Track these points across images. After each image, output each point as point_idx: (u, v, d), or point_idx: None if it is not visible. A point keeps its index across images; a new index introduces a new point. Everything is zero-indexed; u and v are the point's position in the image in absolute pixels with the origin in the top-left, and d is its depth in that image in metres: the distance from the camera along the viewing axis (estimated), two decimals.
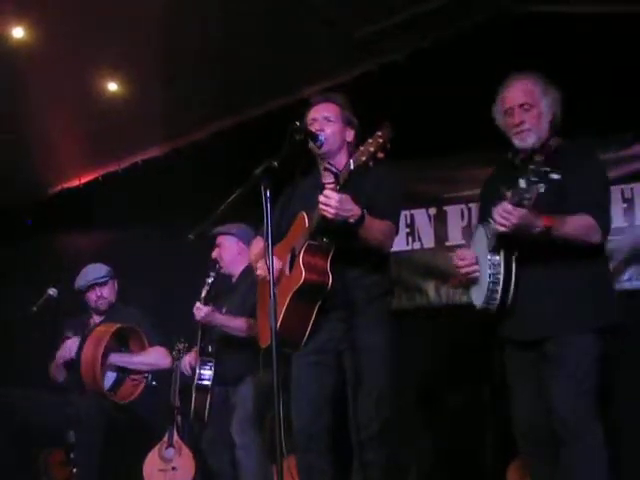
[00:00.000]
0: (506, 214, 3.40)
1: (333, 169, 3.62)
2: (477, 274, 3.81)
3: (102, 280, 5.59)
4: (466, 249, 3.95)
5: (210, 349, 5.21)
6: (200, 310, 5.01)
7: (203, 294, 5.12)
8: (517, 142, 3.80)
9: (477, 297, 3.83)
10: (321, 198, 3.51)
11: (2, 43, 5.32)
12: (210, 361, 5.19)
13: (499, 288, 3.63)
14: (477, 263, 3.81)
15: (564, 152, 3.75)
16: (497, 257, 3.63)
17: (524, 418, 3.83)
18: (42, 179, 7.35)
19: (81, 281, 5.61)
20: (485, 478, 5.60)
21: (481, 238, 3.78)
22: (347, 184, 3.52)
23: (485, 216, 3.84)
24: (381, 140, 3.36)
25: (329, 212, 3.50)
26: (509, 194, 3.40)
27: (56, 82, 5.79)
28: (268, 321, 3.49)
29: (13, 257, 7.50)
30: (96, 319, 5.64)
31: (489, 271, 3.63)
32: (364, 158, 3.38)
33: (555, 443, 3.64)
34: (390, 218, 3.87)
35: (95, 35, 5.42)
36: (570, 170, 3.47)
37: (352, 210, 3.54)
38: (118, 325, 5.36)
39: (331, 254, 3.71)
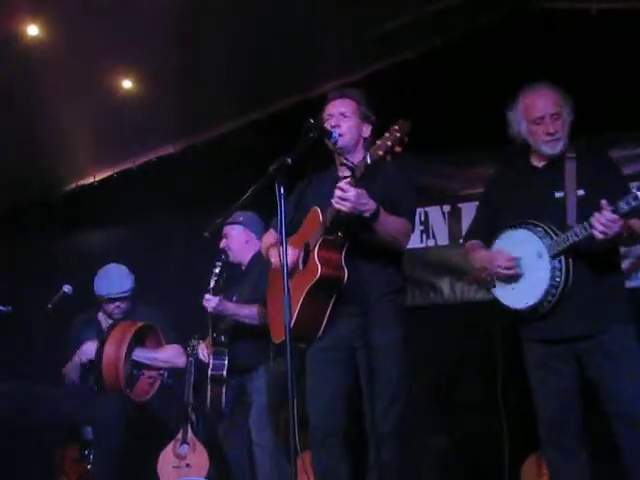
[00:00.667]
0: (610, 223, 3.49)
1: (349, 163, 3.63)
2: (511, 275, 3.89)
3: (125, 295, 5.54)
4: (503, 250, 3.94)
5: (223, 339, 5.18)
6: (210, 301, 4.97)
7: (212, 285, 5.08)
8: (547, 149, 3.94)
9: (520, 298, 3.90)
10: (337, 192, 3.51)
11: (17, 41, 5.34)
12: (223, 352, 5.16)
13: (557, 291, 3.75)
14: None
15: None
16: (558, 262, 3.75)
17: (553, 414, 3.86)
18: (57, 177, 7.37)
19: (104, 290, 5.48)
20: (500, 475, 5.58)
21: (526, 241, 3.86)
22: (363, 178, 3.51)
23: (494, 218, 3.95)
24: (399, 134, 3.35)
25: (345, 206, 3.50)
26: (621, 204, 3.49)
27: (71, 80, 5.80)
28: (281, 316, 3.49)
29: (28, 255, 7.52)
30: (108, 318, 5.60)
31: (548, 274, 3.76)
32: (381, 152, 3.37)
33: (580, 438, 3.81)
34: (406, 216, 3.88)
35: (109, 33, 5.43)
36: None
37: (367, 204, 3.54)
38: (140, 324, 5.34)
39: (345, 249, 3.71)
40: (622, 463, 3.76)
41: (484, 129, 5.96)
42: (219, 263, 5.16)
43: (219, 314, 5.06)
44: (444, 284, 6.36)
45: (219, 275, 5.13)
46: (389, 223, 3.70)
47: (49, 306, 5.38)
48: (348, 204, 3.50)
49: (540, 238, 3.82)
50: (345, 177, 3.71)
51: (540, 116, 3.93)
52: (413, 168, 4.06)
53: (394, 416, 3.77)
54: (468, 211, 6.35)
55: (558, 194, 3.88)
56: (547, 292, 3.77)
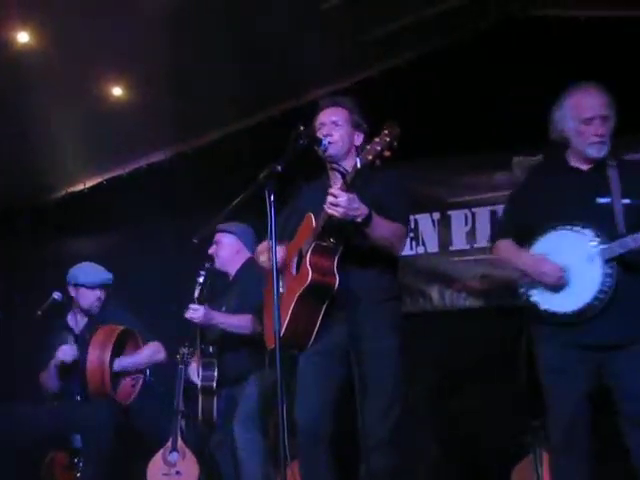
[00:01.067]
0: None
1: (340, 168, 3.64)
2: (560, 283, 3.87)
3: (109, 283, 5.52)
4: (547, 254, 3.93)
5: (211, 350, 5.17)
6: (197, 311, 4.92)
7: (196, 294, 5.05)
8: (593, 152, 3.89)
9: (566, 302, 3.85)
10: (329, 197, 3.51)
11: (7, 48, 5.34)
12: (212, 362, 5.14)
13: (605, 297, 3.73)
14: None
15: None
16: (609, 267, 3.74)
17: (570, 418, 3.86)
18: (47, 183, 7.36)
19: (89, 277, 5.45)
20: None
21: (573, 244, 3.82)
22: (355, 183, 3.52)
23: (525, 217, 3.97)
24: (388, 138, 3.36)
25: (337, 211, 3.50)
26: None
27: (61, 87, 5.80)
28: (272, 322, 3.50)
29: (18, 261, 7.50)
30: (80, 321, 5.53)
31: (599, 279, 3.74)
32: (370, 157, 3.38)
33: (590, 442, 3.83)
34: (400, 220, 3.87)
35: (100, 39, 5.43)
36: None
37: (359, 209, 3.54)
38: (120, 328, 5.33)
39: (338, 255, 3.71)
40: (631, 464, 3.78)
41: (474, 136, 6.00)
42: (203, 272, 5.14)
43: (206, 323, 5.03)
44: (433, 291, 6.37)
45: (203, 284, 5.09)
46: (383, 227, 3.70)
47: (39, 312, 5.35)
48: (340, 209, 3.50)
49: (589, 242, 3.78)
50: (336, 183, 3.72)
51: (590, 117, 3.86)
52: (404, 175, 4.04)
53: (389, 423, 3.76)
54: (458, 219, 6.39)
55: (602, 200, 3.84)
56: (595, 297, 3.74)
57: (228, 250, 5.30)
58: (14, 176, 6.78)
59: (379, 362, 3.75)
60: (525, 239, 4.03)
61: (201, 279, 5.09)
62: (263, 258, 3.99)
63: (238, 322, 4.96)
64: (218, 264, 5.29)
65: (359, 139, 3.98)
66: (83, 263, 5.56)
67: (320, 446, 3.80)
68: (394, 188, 3.93)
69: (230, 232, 5.29)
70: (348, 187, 3.53)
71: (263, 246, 4.11)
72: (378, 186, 3.79)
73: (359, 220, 3.56)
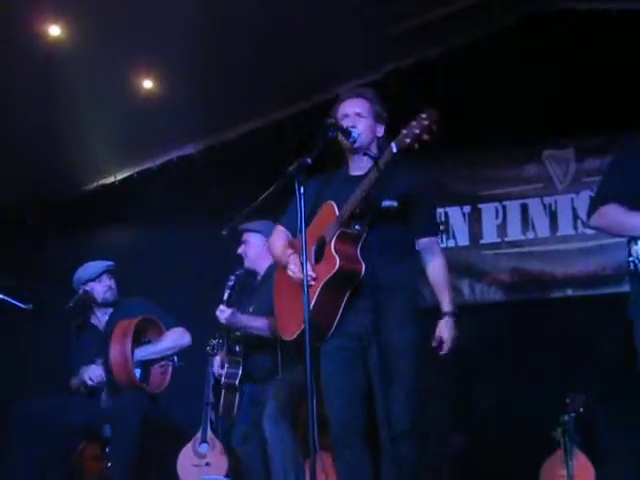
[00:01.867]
0: None
1: (371, 153, 3.63)
2: None
3: (111, 267, 5.53)
4: None
5: (237, 349, 5.21)
6: (223, 312, 4.98)
7: (225, 297, 5.11)
8: None
9: None
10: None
11: (39, 41, 5.37)
12: (238, 361, 5.18)
13: None
14: None
15: None
16: None
17: None
18: (78, 176, 7.41)
19: (89, 271, 5.47)
20: (518, 477, 5.58)
21: None
22: (387, 169, 3.50)
23: (634, 184, 3.64)
24: (427, 122, 3.32)
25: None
26: None
27: (92, 80, 5.83)
28: (293, 313, 3.48)
29: (49, 254, 7.56)
30: (102, 317, 5.57)
31: None
32: (408, 140, 3.35)
33: None
34: (435, 234, 3.93)
35: (130, 33, 5.46)
36: None
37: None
38: (138, 318, 5.33)
39: (361, 242, 3.70)
40: None
41: (505, 130, 5.97)
42: (233, 277, 5.18)
43: (232, 325, 5.09)
44: (464, 285, 6.35)
45: (232, 288, 5.14)
46: None
47: (69, 305, 5.39)
48: None
49: None
50: (357, 176, 3.76)
51: None
52: (435, 168, 4.01)
53: (412, 413, 3.74)
54: (488, 212, 6.37)
55: None
56: None
57: (256, 249, 5.30)
58: (46, 169, 6.83)
59: (398, 352, 3.72)
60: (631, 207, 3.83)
61: (231, 282, 5.15)
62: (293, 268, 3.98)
63: (260, 325, 5.00)
64: (247, 264, 5.32)
65: (380, 131, 3.95)
66: (83, 264, 5.59)
67: (355, 440, 3.79)
68: (425, 198, 3.90)
69: (257, 231, 5.29)
70: (380, 173, 3.51)
71: (280, 243, 4.10)
72: (404, 184, 3.77)
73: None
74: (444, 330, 3.77)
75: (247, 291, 5.35)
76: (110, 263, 5.51)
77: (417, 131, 3.33)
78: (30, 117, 6.12)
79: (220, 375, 5.23)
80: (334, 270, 3.62)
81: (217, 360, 5.36)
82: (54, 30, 5.35)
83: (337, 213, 3.70)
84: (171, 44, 5.64)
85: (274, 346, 4.88)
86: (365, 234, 3.70)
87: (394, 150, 3.42)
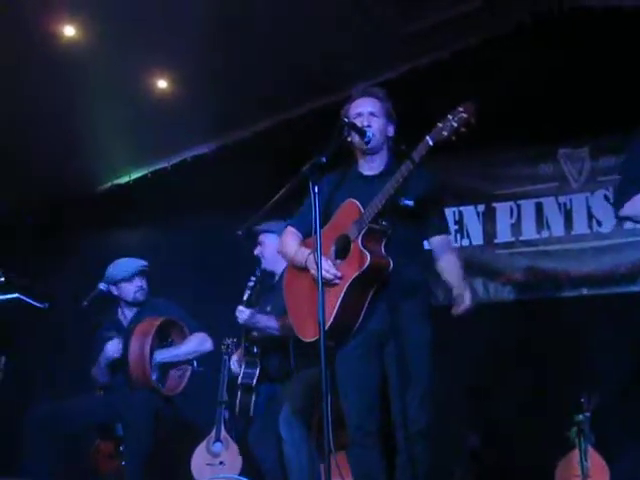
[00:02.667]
0: None
1: (402, 147, 3.65)
2: None
3: (145, 268, 5.55)
4: None
5: (255, 350, 5.23)
6: (242, 313, 5.04)
7: (245, 297, 5.13)
8: None
9: None
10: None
11: (54, 41, 5.39)
12: (255, 362, 5.20)
13: None
14: None
15: None
16: None
17: None
18: (93, 175, 7.44)
19: (124, 271, 5.50)
20: (532, 476, 5.57)
21: None
22: (422, 162, 3.48)
23: None
24: (465, 115, 3.32)
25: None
26: None
27: (106, 80, 5.85)
28: (311, 313, 3.48)
29: (64, 252, 7.59)
30: (128, 314, 5.60)
31: None
32: (446, 133, 3.34)
33: None
34: (447, 232, 3.97)
35: (144, 34, 5.47)
36: None
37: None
38: (162, 319, 5.36)
39: (386, 238, 3.70)
40: None
41: (520, 128, 5.95)
42: (254, 278, 5.20)
43: (251, 326, 5.11)
44: (478, 284, 6.34)
45: (252, 289, 5.16)
46: None
47: (85, 303, 5.41)
48: None
49: None
50: (370, 176, 3.83)
51: None
52: (449, 167, 4.00)
53: (427, 413, 3.75)
54: (503, 211, 6.36)
55: None
56: None
57: (272, 250, 5.30)
58: (61, 169, 6.86)
59: (414, 351, 3.74)
60: None
61: (251, 283, 5.17)
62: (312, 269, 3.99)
63: (280, 326, 5.01)
64: (264, 265, 5.34)
65: (391, 130, 3.96)
66: (116, 260, 5.60)
67: (372, 438, 3.80)
68: (437, 198, 3.93)
69: (272, 232, 5.30)
70: (415, 167, 3.50)
71: (292, 242, 4.10)
72: (421, 185, 3.78)
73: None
74: (464, 291, 3.73)
75: (265, 291, 5.36)
76: (144, 263, 5.53)
77: (455, 124, 3.32)
78: (45, 117, 6.15)
79: (237, 375, 5.25)
80: (365, 266, 3.62)
81: (234, 359, 5.40)
82: (69, 31, 5.37)
83: (361, 210, 3.70)
84: (185, 44, 5.65)
85: (293, 345, 4.89)
86: (390, 231, 3.70)
87: (430, 143, 3.41)
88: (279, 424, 4.93)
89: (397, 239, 3.73)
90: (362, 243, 3.65)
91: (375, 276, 3.67)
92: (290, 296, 4.11)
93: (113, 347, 5.30)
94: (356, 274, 3.64)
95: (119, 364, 5.29)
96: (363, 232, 3.66)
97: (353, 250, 3.70)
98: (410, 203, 3.68)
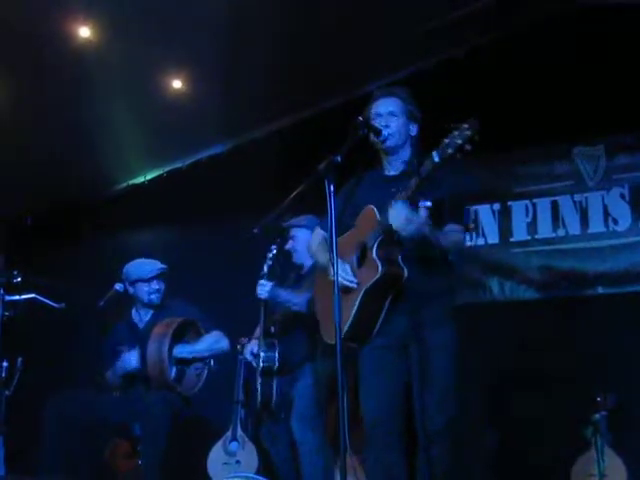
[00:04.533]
0: None
1: (415, 161, 3.63)
2: None
3: (164, 271, 5.55)
4: None
5: (272, 329, 5.21)
6: (263, 286, 5.04)
7: (265, 270, 5.12)
8: None
9: None
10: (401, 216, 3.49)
11: (69, 42, 5.41)
12: (274, 343, 5.18)
13: None
14: None
15: None
16: None
17: None
18: (108, 176, 7.46)
19: (143, 271, 5.50)
20: (549, 476, 5.56)
21: None
22: (429, 178, 3.47)
23: None
24: (469, 132, 3.31)
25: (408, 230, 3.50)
26: None
27: (121, 80, 5.87)
28: (332, 316, 3.48)
29: (80, 253, 7.62)
30: (143, 316, 5.60)
31: None
32: (450, 151, 3.34)
33: None
34: (461, 223, 3.90)
35: (159, 34, 5.49)
36: None
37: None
38: (180, 319, 5.36)
39: (401, 247, 3.69)
40: None
41: (535, 127, 5.93)
42: (273, 247, 5.18)
43: (272, 300, 5.10)
44: (493, 282, 6.33)
45: (273, 260, 5.14)
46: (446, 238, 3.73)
47: (101, 303, 5.42)
48: (412, 227, 3.49)
49: None
50: (392, 176, 3.81)
51: None
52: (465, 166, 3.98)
53: (446, 414, 3.74)
54: (518, 209, 6.34)
55: None
56: None
57: (304, 243, 5.31)
58: (76, 169, 6.89)
59: (436, 352, 3.73)
60: None
61: (271, 254, 5.17)
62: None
63: (301, 301, 5.01)
64: (295, 259, 5.37)
65: (414, 130, 3.95)
66: (135, 260, 5.61)
67: (393, 438, 3.79)
68: (456, 195, 3.91)
69: (304, 226, 5.32)
70: (422, 181, 3.48)
71: (317, 241, 4.12)
72: (447, 189, 3.77)
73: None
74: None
75: (289, 281, 5.37)
76: (164, 267, 5.53)
77: (459, 141, 3.30)
78: (61, 118, 6.18)
79: (257, 359, 5.22)
80: (376, 277, 3.63)
81: (249, 349, 5.35)
82: (84, 32, 5.39)
83: (378, 218, 3.70)
84: (200, 44, 5.67)
85: (309, 329, 4.87)
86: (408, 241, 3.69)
87: (436, 160, 3.40)
88: (292, 424, 4.94)
89: (426, 245, 3.72)
90: (376, 252, 3.66)
91: (389, 285, 3.68)
92: (318, 296, 4.14)
93: (130, 359, 5.29)
94: (369, 283, 3.65)
95: (135, 374, 5.30)
96: (377, 241, 3.67)
97: (368, 259, 3.71)
98: (427, 204, 3.67)
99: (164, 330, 5.26)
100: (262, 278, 5.09)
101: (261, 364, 5.15)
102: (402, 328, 3.75)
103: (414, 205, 3.59)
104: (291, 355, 5.14)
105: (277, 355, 5.14)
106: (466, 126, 3.30)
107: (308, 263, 5.29)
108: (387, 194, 3.71)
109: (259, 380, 5.14)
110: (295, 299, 5.07)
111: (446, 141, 3.34)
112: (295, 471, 5.09)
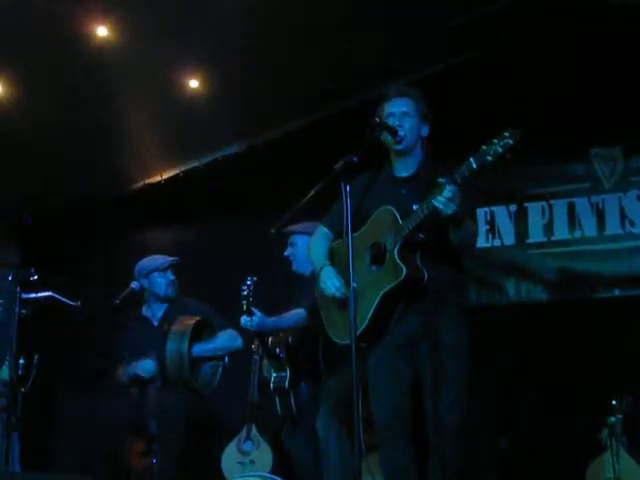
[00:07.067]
0: None
1: (447, 164, 3.61)
2: None
3: (176, 263, 5.56)
4: None
5: (278, 351, 5.21)
6: (248, 321, 5.00)
7: (244, 308, 5.03)
8: None
9: None
10: (446, 193, 3.44)
11: (86, 42, 5.43)
12: (282, 365, 5.20)
13: None
14: None
15: None
16: None
17: None
18: (125, 175, 7.48)
19: (157, 262, 5.53)
20: (563, 479, 5.54)
21: None
22: (465, 183, 3.47)
23: None
24: (511, 141, 3.31)
25: (451, 209, 3.47)
26: None
27: (138, 79, 5.89)
28: (342, 318, 3.49)
29: (96, 252, 7.65)
30: (156, 311, 5.60)
31: None
32: (490, 158, 3.34)
33: None
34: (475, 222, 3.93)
35: (176, 34, 5.50)
36: None
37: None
38: (196, 318, 5.38)
39: (421, 250, 3.69)
40: None
41: (552, 128, 5.91)
42: (245, 287, 5.05)
43: (262, 331, 5.11)
44: (509, 284, 6.32)
45: (246, 297, 5.04)
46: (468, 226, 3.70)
47: (117, 301, 5.43)
48: (453, 206, 3.47)
49: None
50: (404, 177, 3.83)
51: None
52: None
53: (458, 415, 3.74)
54: (535, 211, 6.32)
55: None
56: None
57: (303, 252, 5.30)
58: (93, 168, 6.91)
59: (449, 353, 3.73)
60: None
61: (244, 292, 5.05)
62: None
63: (292, 321, 5.03)
64: (295, 266, 5.36)
65: (425, 130, 3.95)
66: (149, 256, 5.63)
67: (403, 439, 3.80)
68: (469, 196, 3.91)
69: (305, 233, 5.30)
70: (457, 186, 3.47)
71: (313, 244, 4.13)
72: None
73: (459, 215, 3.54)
74: None
75: (295, 292, 5.36)
76: (176, 258, 5.56)
77: (500, 149, 3.32)
78: (77, 117, 6.19)
79: (269, 380, 5.25)
80: (401, 279, 3.62)
81: (265, 365, 5.41)
82: (102, 31, 5.40)
83: (399, 220, 3.68)
84: (217, 44, 5.67)
85: (316, 344, 4.89)
86: (426, 242, 3.69)
87: (474, 166, 3.40)
88: (317, 423, 4.94)
89: (432, 246, 3.72)
90: (398, 255, 3.65)
91: (410, 288, 3.68)
92: (323, 299, 4.09)
93: (146, 367, 5.30)
94: (391, 285, 3.65)
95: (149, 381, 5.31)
96: (400, 243, 3.66)
97: (389, 261, 3.69)
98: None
99: (183, 328, 5.27)
100: (243, 314, 5.03)
101: (272, 385, 5.21)
102: (414, 328, 3.75)
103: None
104: (305, 375, 5.18)
105: (287, 375, 5.16)
106: (507, 134, 3.31)
107: (307, 272, 5.27)
108: (399, 195, 3.71)
109: (277, 398, 5.21)
110: (283, 323, 5.09)
111: (484, 148, 3.34)
112: (315, 469, 5.09)
